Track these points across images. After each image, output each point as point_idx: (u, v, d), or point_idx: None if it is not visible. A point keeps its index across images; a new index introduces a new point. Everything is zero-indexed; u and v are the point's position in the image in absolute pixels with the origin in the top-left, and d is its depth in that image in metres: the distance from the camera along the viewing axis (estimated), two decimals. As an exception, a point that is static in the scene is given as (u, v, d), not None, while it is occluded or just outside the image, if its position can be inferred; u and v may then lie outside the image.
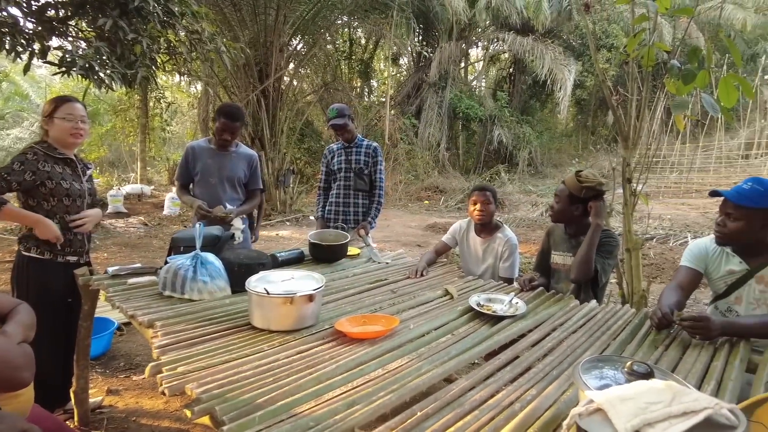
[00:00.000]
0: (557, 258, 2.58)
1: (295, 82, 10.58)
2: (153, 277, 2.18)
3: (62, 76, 4.85)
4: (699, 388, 1.39)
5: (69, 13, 4.89)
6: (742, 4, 15.94)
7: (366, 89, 18.23)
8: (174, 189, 13.06)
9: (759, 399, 1.10)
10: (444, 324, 1.86)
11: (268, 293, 1.68)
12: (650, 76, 3.28)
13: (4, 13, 4.43)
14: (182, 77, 9.42)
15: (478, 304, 2.02)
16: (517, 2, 13.05)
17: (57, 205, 2.23)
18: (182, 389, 1.28)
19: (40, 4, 4.71)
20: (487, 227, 2.89)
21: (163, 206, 10.22)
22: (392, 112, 13.41)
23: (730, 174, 13.57)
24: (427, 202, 12.19)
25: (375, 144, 3.51)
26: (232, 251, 2.25)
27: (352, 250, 2.93)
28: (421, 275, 2.56)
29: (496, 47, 17.24)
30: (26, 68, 4.79)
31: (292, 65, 10.20)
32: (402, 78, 17.70)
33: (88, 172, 2.41)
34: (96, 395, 2.64)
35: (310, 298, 1.72)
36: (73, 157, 2.32)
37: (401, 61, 18.73)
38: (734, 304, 1.97)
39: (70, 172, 2.28)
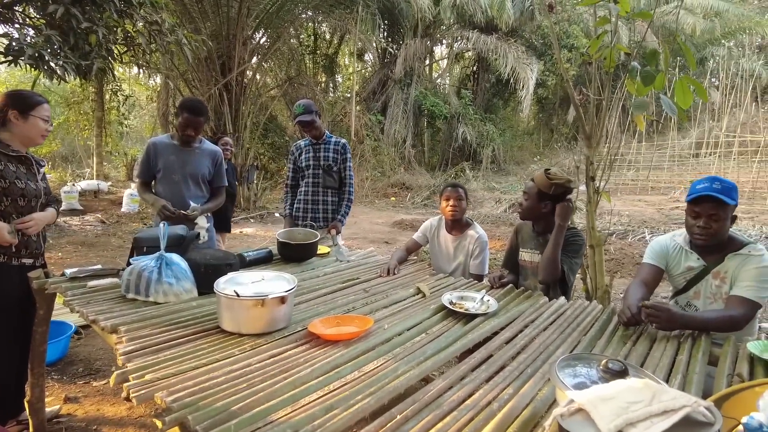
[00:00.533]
0: (525, 255, 2.62)
1: (258, 77, 10.38)
2: (115, 279, 2.08)
3: (9, 65, 4.59)
4: (667, 382, 1.43)
5: (15, -1, 4.63)
6: (691, 10, 16.67)
7: (331, 85, 18.09)
8: (133, 185, 12.62)
9: (726, 393, 1.14)
10: (418, 323, 1.86)
11: (238, 295, 1.63)
12: (610, 77, 3.38)
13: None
14: (141, 70, 9.04)
15: (451, 303, 2.02)
16: (482, 1, 13.20)
17: (11, 205, 2.09)
18: (151, 398, 1.22)
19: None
20: (458, 224, 2.91)
21: (121, 203, 9.85)
22: (358, 108, 13.36)
23: (682, 172, 14.20)
24: (393, 198, 12.21)
25: (344, 140, 3.47)
26: (197, 251, 2.17)
27: (321, 249, 2.89)
28: (393, 274, 2.55)
29: (460, 45, 17.43)
30: (-32, 56, 4.50)
31: (255, 59, 9.98)
32: (367, 74, 17.65)
33: (42, 169, 2.28)
34: (53, 404, 2.51)
35: (282, 299, 1.68)
36: (28, 155, 2.18)
37: (366, 57, 18.68)
38: (693, 299, 2.05)
39: (25, 171, 2.15)
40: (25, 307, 2.15)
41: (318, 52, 16.52)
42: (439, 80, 18.76)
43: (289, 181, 3.52)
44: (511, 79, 14.26)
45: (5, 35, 4.50)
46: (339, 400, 1.25)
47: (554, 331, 1.85)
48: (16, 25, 4.89)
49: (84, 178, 13.09)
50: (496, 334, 1.81)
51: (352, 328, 1.71)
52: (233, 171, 4.63)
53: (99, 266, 2.22)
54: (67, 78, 5.21)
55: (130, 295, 1.93)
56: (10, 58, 4.31)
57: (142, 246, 2.20)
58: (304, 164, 3.40)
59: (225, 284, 1.76)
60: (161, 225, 2.05)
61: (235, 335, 1.65)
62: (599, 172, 3.57)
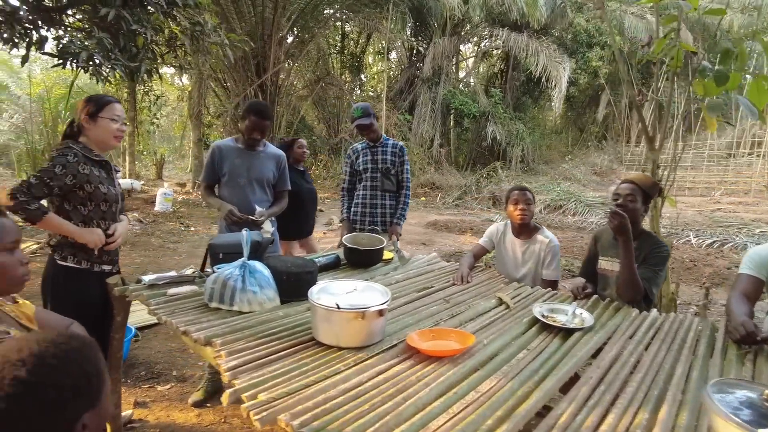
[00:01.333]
0: (605, 264, 2.50)
1: (287, 77, 10.37)
2: (193, 287, 2.04)
3: (61, 67, 4.63)
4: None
5: (67, 2, 4.67)
6: (729, 5, 16.16)
7: (357, 84, 18.06)
8: (166, 184, 12.63)
9: None
10: (515, 338, 1.77)
11: (339, 308, 1.56)
12: (667, 76, 3.24)
13: (1, 2, 4.20)
14: (182, 70, 9.09)
15: (542, 315, 1.93)
16: None
17: (94, 210, 2.06)
18: (274, 420, 1.16)
19: (37, -9, 4.48)
20: (526, 229, 2.81)
21: (154, 202, 9.95)
22: (387, 107, 13.27)
23: (720, 172, 13.78)
24: (423, 198, 12.11)
25: (401, 143, 3.40)
26: (276, 259, 2.12)
27: (385, 255, 2.82)
28: (467, 282, 2.47)
29: (489, 43, 17.20)
30: (24, 59, 4.56)
31: (288, 60, 9.98)
32: (394, 73, 17.55)
33: (118, 175, 2.25)
34: (124, 408, 2.49)
35: (381, 312, 1.61)
36: (108, 160, 2.16)
37: (392, 56, 18.59)
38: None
39: (106, 176, 2.13)
40: (104, 314, 2.12)
41: (345, 51, 16.50)
42: (466, 79, 18.56)
43: (346, 185, 3.46)
44: (543, 78, 13.99)
45: (58, 38, 4.55)
46: (468, 424, 1.17)
47: (659, 347, 1.74)
48: (67, 29, 4.94)
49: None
50: (599, 350, 1.71)
51: (452, 343, 1.63)
52: (308, 173, 4.28)
53: (173, 272, 2.18)
54: (111, 79, 5.26)
55: (214, 304, 1.88)
56: (63, 60, 4.36)
57: (217, 253, 2.16)
58: (361, 167, 3.34)
59: (319, 294, 1.69)
60: (243, 232, 2.00)
61: (333, 348, 1.58)
62: (663, 173, 3.43)
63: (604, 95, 18.38)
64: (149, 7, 4.77)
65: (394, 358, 1.54)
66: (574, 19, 14.97)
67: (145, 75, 4.94)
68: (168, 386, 2.84)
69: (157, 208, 9.75)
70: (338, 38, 15.89)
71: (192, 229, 7.89)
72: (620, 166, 16.63)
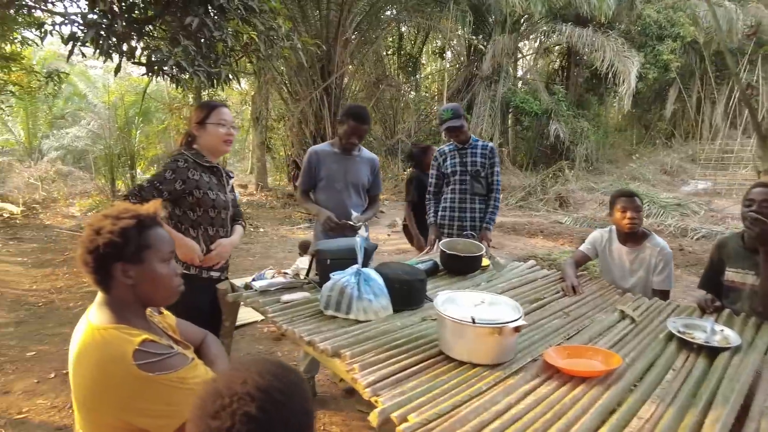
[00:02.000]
0: (734, 276, 2.29)
1: (347, 79, 10.42)
2: (305, 293, 2.02)
3: (150, 76, 4.81)
4: None
5: (156, 14, 4.85)
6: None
7: (413, 84, 17.98)
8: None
9: None
10: (656, 357, 1.62)
11: (474, 322, 1.48)
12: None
13: (94, 16, 4.42)
14: (253, 75, 9.31)
15: (679, 332, 1.77)
16: None
17: (202, 216, 2.09)
18: (437, 446, 1.09)
19: (128, 4, 4.68)
20: (634, 236, 2.63)
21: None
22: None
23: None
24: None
25: (491, 144, 3.28)
26: (385, 266, 2.06)
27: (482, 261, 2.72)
28: (579, 292, 2.32)
29: (550, 39, 16.65)
30: (117, 69, 4.78)
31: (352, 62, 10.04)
32: (451, 72, 17.32)
33: (231, 181, 2.27)
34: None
35: (517, 329, 1.51)
36: (219, 166, 2.18)
37: (448, 55, 18.37)
38: None
39: (216, 182, 2.14)
40: (213, 320, 2.14)
41: (401, 52, 16.46)
42: (526, 76, 18.07)
43: (432, 188, 3.38)
44: (610, 74, 13.37)
45: (146, 48, 4.75)
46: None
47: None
48: (152, 39, 5.14)
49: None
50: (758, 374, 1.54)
51: (595, 363, 1.51)
52: None
53: (281, 278, 2.17)
54: (187, 86, 5.42)
55: (330, 312, 1.85)
56: (153, 69, 4.53)
57: (325, 258, 2.13)
58: (449, 170, 3.24)
59: (445, 305, 1.62)
60: (357, 239, 1.96)
61: (466, 365, 1.50)
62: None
63: (672, 90, 17.41)
64: (228, 14, 4.89)
65: (535, 378, 1.44)
66: (643, 11, 14.22)
67: (225, 80, 5.06)
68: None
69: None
70: (395, 39, 15.85)
71: (261, 230, 8.06)
72: (693, 164, 15.68)
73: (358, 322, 1.82)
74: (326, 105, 8.68)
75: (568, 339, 1.76)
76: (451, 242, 2.69)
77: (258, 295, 2.02)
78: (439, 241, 3.26)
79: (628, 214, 2.57)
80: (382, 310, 1.87)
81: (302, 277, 4.50)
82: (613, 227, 2.75)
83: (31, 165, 15.34)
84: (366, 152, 2.83)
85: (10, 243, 7.13)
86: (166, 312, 1.34)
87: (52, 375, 3.08)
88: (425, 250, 3.22)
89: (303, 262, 4.55)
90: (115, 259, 1.10)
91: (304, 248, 4.72)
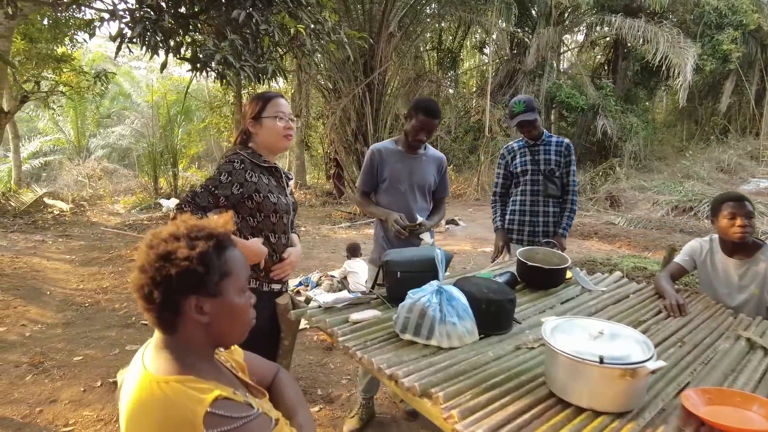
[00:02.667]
0: None
1: (396, 75, 10.16)
2: (374, 312, 1.78)
3: (195, 72, 4.69)
4: None
5: (202, 8, 4.72)
6: None
7: (452, 80, 17.57)
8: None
9: None
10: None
11: (602, 362, 1.20)
12: None
13: (144, 11, 4.32)
14: (298, 71, 9.18)
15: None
16: None
17: (263, 221, 1.86)
18: None
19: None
20: (743, 246, 2.28)
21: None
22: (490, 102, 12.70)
23: None
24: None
25: (566, 140, 2.97)
26: (469, 282, 1.80)
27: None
28: (685, 313, 2.00)
29: (597, 31, 15.95)
30: (164, 65, 4.68)
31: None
32: (493, 67, 16.83)
33: (291, 183, 2.05)
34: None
35: (654, 371, 1.22)
36: (278, 166, 1.96)
37: (489, 49, 17.86)
38: None
39: (275, 184, 1.92)
40: (272, 337, 1.93)
41: (441, 47, 16.08)
42: (570, 70, 17.40)
43: (498, 189, 3.09)
44: (663, 66, 12.64)
45: (193, 43, 4.63)
46: None
47: None
48: (198, 34, 5.02)
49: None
50: None
51: (750, 414, 1.21)
52: None
53: (347, 293, 1.93)
54: (232, 82, 5.28)
55: (407, 336, 1.60)
56: (199, 65, 4.41)
57: (395, 271, 1.88)
58: (519, 169, 2.94)
59: (554, 335, 1.34)
60: (437, 250, 1.70)
61: (587, 412, 1.23)
62: None
63: (729, 82, 16.40)
64: (275, 7, 4.71)
65: (679, 434, 1.15)
66: (701, -1, 13.40)
67: (272, 76, 4.90)
68: (316, 408, 2.65)
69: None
70: (435, 34, 15.49)
71: (303, 229, 7.92)
72: (753, 162, 14.72)
73: (439, 348, 1.57)
74: (368, 101, 8.45)
75: (695, 376, 1.46)
76: (529, 251, 2.40)
77: (323, 313, 1.79)
78: (507, 249, 2.99)
79: (738, 222, 2.22)
80: (467, 335, 1.61)
81: (350, 283, 4.32)
82: (715, 236, 2.41)
83: (79, 163, 15.78)
84: (433, 150, 2.56)
85: (59, 240, 7.23)
86: (234, 347, 1.11)
87: (98, 383, 2.96)
88: (493, 259, 2.94)
89: (351, 265, 4.34)
90: (190, 293, 0.87)
91: (351, 251, 4.51)
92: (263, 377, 1.16)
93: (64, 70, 10.22)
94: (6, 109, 8.94)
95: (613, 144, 14.19)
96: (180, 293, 0.86)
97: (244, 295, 0.95)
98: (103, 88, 11.99)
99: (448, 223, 8.48)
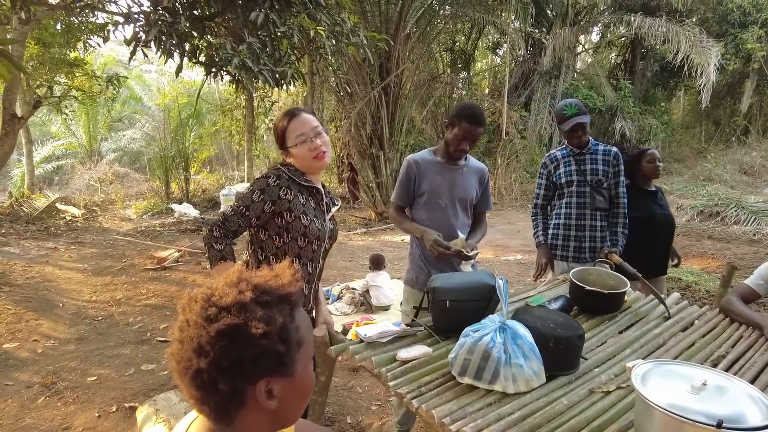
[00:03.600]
0: None
1: (412, 78, 9.97)
2: (425, 348, 1.58)
3: (210, 76, 4.52)
4: None
5: (218, 9, 4.57)
6: None
7: (466, 81, 17.33)
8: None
9: None
10: None
11: (720, 426, 0.99)
12: None
13: (159, 13, 4.17)
14: (317, 74, 8.99)
15: None
16: None
17: (289, 243, 1.71)
18: None
19: (189, 1, 4.42)
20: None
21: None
22: (507, 104, 12.46)
23: None
24: (547, 203, 11.16)
25: (614, 149, 2.75)
26: (533, 316, 1.59)
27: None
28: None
29: (614, 31, 15.67)
30: (179, 69, 4.52)
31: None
32: (509, 68, 16.59)
33: (333, 209, 1.88)
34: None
35: None
36: (321, 188, 1.81)
37: (504, 50, 17.61)
38: None
39: (314, 206, 1.77)
40: None
41: (455, 48, 15.86)
42: (587, 71, 17.10)
43: (540, 200, 2.88)
44: (685, 66, 12.32)
45: (209, 46, 4.48)
46: None
47: None
48: (213, 37, 4.86)
49: (234, 181, 13.83)
50: None
51: None
52: (662, 194, 3.12)
53: (391, 325, 1.73)
54: (250, 87, 5.12)
55: (466, 380, 1.41)
56: (216, 69, 4.25)
57: (444, 300, 1.69)
58: (563, 180, 2.73)
59: (645, 382, 1.14)
60: (498, 281, 1.50)
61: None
62: None
63: (750, 82, 16.02)
64: (294, 8, 4.55)
65: None
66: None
67: (291, 80, 4.73)
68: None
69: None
70: (450, 35, 15.28)
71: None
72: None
73: (504, 394, 1.37)
74: (384, 105, 8.26)
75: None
76: (582, 272, 2.19)
77: (366, 349, 1.59)
78: (550, 266, 2.78)
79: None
80: (535, 378, 1.41)
81: (371, 297, 4.12)
82: None
83: (91, 167, 15.77)
84: (474, 161, 2.35)
85: (71, 247, 7.11)
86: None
87: (114, 408, 2.79)
88: (536, 277, 2.73)
89: (374, 278, 4.15)
90: (263, 375, 0.68)
91: (375, 263, 4.32)
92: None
93: (77, 74, 10.16)
94: (20, 114, 8.89)
95: (632, 146, 13.88)
96: (252, 379, 0.67)
97: (311, 363, 0.76)
98: (114, 92, 11.94)
99: (466, 228, 8.26)
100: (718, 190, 11.41)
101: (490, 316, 1.49)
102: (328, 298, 4.27)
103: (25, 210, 9.25)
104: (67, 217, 9.43)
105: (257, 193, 1.65)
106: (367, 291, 4.16)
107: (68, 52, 9.81)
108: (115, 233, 8.27)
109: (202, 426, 0.71)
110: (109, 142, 18.48)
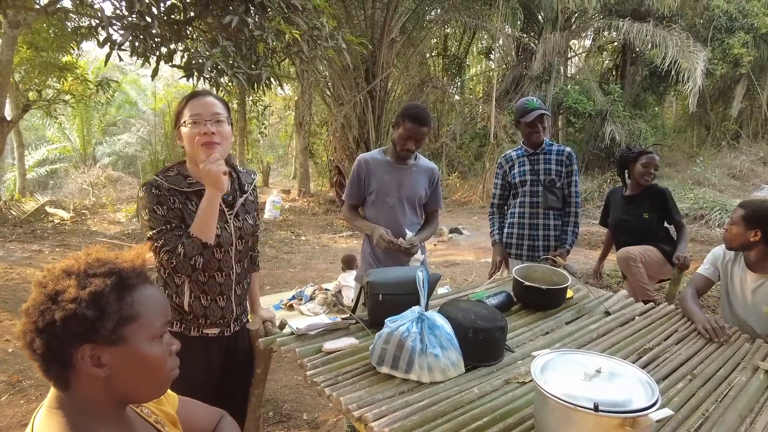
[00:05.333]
0: None
1: (398, 82, 10.04)
2: (352, 340, 1.62)
3: (188, 79, 4.57)
4: None
5: (194, 14, 4.63)
6: None
7: (458, 86, 17.44)
8: (275, 192, 12.99)
9: None
10: None
11: (597, 409, 1.03)
12: None
13: (133, 17, 4.22)
14: (297, 79, 9.08)
15: None
16: None
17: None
18: None
19: (167, 6, 4.47)
20: (766, 259, 2.10)
21: (262, 209, 10.10)
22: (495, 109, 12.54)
23: None
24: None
25: (568, 148, 2.80)
26: (455, 307, 1.63)
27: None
28: (727, 336, 1.81)
29: (604, 36, 15.78)
30: (154, 72, 4.56)
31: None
32: (499, 72, 16.70)
33: (240, 200, 1.64)
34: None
35: (659, 420, 1.05)
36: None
37: (495, 55, 17.74)
38: None
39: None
40: (242, 372, 1.74)
41: (446, 53, 15.97)
42: (578, 75, 17.21)
43: (496, 200, 2.93)
44: (672, 71, 12.42)
45: (186, 50, 4.53)
46: None
47: None
48: (191, 40, 4.92)
49: (228, 185, 13.86)
50: None
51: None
52: (671, 198, 3.07)
53: (324, 317, 1.77)
54: (230, 89, 5.17)
55: (384, 370, 1.44)
56: (190, 72, 4.30)
57: (377, 293, 1.73)
58: (517, 179, 2.78)
59: (545, 374, 1.18)
60: (419, 273, 1.54)
61: (582, 468, 1.06)
62: None
63: (740, 87, 16.12)
64: (270, 12, 4.60)
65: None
66: (711, 2, 13.17)
67: (265, 83, 4.78)
68: (302, 434, 2.49)
69: (267, 215, 9.86)
70: (440, 40, 15.39)
71: (303, 238, 7.79)
72: (766, 167, 14.41)
73: (420, 383, 1.41)
74: (370, 108, 8.32)
75: (708, 418, 1.28)
76: (527, 269, 2.23)
77: (295, 341, 1.63)
78: (505, 264, 2.82)
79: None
80: (452, 368, 1.45)
81: (344, 297, 4.16)
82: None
83: (84, 171, 15.81)
84: (423, 161, 2.40)
85: (57, 250, 7.15)
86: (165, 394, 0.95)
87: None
88: (490, 274, 2.77)
89: (346, 278, 4.18)
90: (81, 341, 0.73)
91: (347, 263, 4.36)
92: (204, 426, 1.00)
93: (68, 78, 10.22)
94: (9, 118, 8.94)
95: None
96: (66, 342, 0.71)
97: (160, 342, 0.80)
98: (109, 96, 11.99)
99: (451, 231, 8.31)
100: (705, 193, 11.47)
101: (412, 308, 1.53)
102: (301, 299, 4.31)
103: (14, 213, 9.28)
104: (55, 221, 9.46)
105: (154, 209, 1.47)
106: (340, 291, 4.19)
107: (60, 56, 9.88)
108: (102, 236, 8.30)
109: (52, 395, 0.77)
110: (104, 146, 18.54)
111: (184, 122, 1.50)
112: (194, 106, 1.50)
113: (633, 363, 1.53)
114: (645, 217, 3.03)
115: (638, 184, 3.09)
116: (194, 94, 1.55)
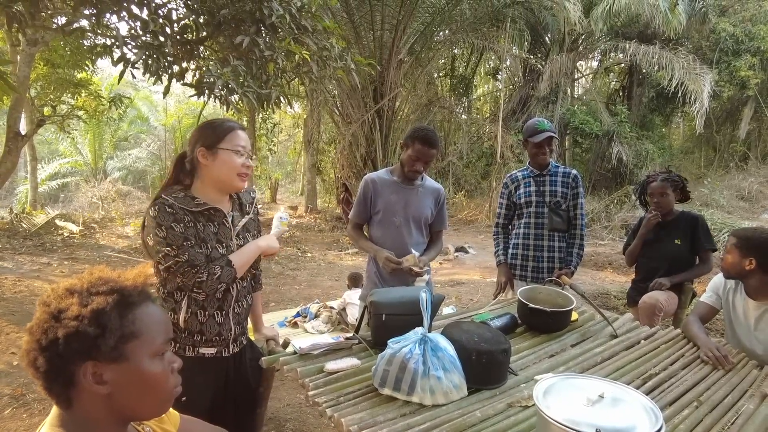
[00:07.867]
0: None
1: (406, 102, 10.15)
2: (353, 360, 1.62)
3: (199, 97, 4.66)
4: None
5: (206, 34, 4.73)
6: None
7: (465, 106, 17.58)
8: (282, 208, 13.01)
9: None
10: None
11: (598, 437, 1.03)
12: None
13: (147, 37, 4.33)
14: (306, 98, 9.21)
15: None
16: (661, 4, 11.50)
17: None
18: None
19: (180, 26, 4.58)
20: (764, 287, 2.08)
21: (269, 225, 10.13)
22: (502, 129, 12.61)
23: None
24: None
25: (574, 171, 2.81)
26: (458, 329, 1.63)
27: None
28: (730, 365, 1.79)
29: (611, 58, 15.90)
30: (166, 90, 4.65)
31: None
32: (506, 93, 16.83)
33: (243, 220, 1.71)
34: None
35: (662, 445, 1.04)
36: (221, 208, 1.61)
37: (501, 76, 17.90)
38: None
39: (214, 230, 1.58)
40: (245, 392, 1.74)
41: (454, 73, 16.14)
42: (585, 96, 17.30)
43: (501, 220, 2.93)
44: (679, 93, 12.46)
45: (197, 68, 4.62)
46: None
47: None
48: (202, 60, 5.02)
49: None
50: None
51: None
52: (702, 227, 2.96)
53: (327, 336, 1.78)
54: (240, 107, 5.27)
55: (386, 391, 1.44)
56: (201, 90, 4.38)
57: (380, 313, 1.73)
58: (522, 200, 2.79)
59: (548, 398, 1.17)
60: (422, 293, 1.55)
61: (584, 496, 1.05)
62: None
63: (747, 109, 16.13)
64: (280, 33, 4.70)
65: None
66: (717, 25, 13.25)
67: (275, 102, 4.85)
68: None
69: (273, 231, 9.87)
70: (448, 61, 15.57)
71: (309, 255, 7.80)
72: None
73: (422, 406, 1.40)
74: (378, 128, 8.40)
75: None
76: (531, 291, 2.23)
77: (297, 360, 1.64)
78: (510, 285, 2.82)
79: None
80: (454, 390, 1.44)
81: (348, 315, 4.15)
82: None
83: (95, 185, 16.00)
84: (430, 182, 2.42)
85: (65, 263, 7.20)
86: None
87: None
88: (495, 295, 2.77)
89: (351, 296, 4.18)
90: (83, 358, 0.74)
91: (353, 280, 4.36)
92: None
93: (82, 94, 10.42)
94: (23, 133, 9.11)
95: (628, 171, 13.95)
96: (69, 360, 0.73)
97: (162, 359, 0.81)
98: (121, 112, 12.19)
99: (457, 250, 8.29)
100: (713, 215, 11.39)
101: (415, 329, 1.53)
102: (305, 316, 4.30)
103: (24, 226, 9.38)
104: (64, 234, 9.55)
105: (171, 226, 1.49)
106: (344, 309, 4.19)
107: (75, 73, 10.10)
108: (110, 249, 8.37)
109: (54, 413, 0.78)
110: (115, 161, 18.80)
111: (228, 149, 1.56)
112: (239, 138, 1.59)
113: (638, 388, 1.53)
114: (677, 243, 2.99)
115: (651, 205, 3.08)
116: (234, 126, 1.62)
